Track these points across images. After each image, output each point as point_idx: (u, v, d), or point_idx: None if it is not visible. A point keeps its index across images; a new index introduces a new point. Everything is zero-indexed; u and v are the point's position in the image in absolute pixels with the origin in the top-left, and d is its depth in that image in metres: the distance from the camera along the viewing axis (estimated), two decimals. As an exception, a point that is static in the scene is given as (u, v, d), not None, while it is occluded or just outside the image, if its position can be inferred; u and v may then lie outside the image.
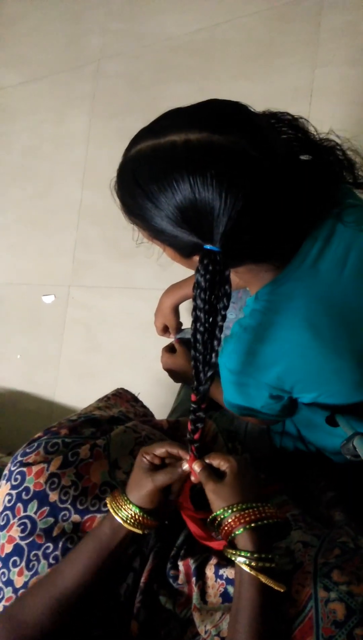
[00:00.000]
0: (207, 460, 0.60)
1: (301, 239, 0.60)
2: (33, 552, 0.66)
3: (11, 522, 0.68)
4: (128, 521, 0.59)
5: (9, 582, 0.66)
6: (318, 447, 0.83)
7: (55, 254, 1.83)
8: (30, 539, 0.66)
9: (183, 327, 1.05)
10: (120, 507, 0.60)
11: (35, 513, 0.67)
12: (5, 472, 0.72)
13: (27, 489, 0.68)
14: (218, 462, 0.60)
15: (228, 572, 0.60)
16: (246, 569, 0.52)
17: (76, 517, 0.67)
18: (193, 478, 0.61)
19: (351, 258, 0.60)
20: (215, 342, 0.52)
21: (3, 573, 0.67)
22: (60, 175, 1.87)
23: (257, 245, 0.53)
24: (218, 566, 0.62)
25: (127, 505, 0.60)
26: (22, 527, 0.67)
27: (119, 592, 0.66)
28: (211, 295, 0.50)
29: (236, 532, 0.54)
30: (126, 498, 0.61)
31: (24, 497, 0.68)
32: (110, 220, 1.72)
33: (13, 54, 2.09)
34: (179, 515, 0.65)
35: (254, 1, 1.52)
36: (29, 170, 1.95)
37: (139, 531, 0.59)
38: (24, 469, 0.69)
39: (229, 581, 0.60)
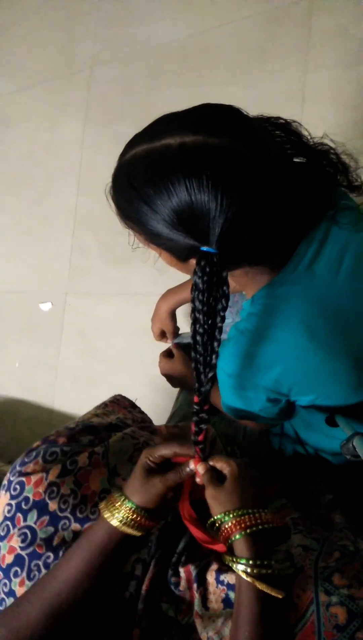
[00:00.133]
0: (211, 463, 0.61)
1: (296, 242, 0.60)
2: (34, 562, 0.66)
3: (11, 532, 0.68)
4: (127, 523, 0.59)
5: (10, 593, 0.66)
6: (316, 449, 0.83)
7: (51, 261, 1.83)
8: (31, 549, 0.66)
9: (180, 332, 1.05)
10: (118, 509, 0.60)
11: (35, 523, 0.67)
12: (5, 482, 0.72)
13: (26, 499, 0.68)
14: (221, 464, 0.60)
15: (229, 578, 0.60)
16: (244, 576, 0.52)
17: (76, 526, 0.67)
18: (198, 479, 0.62)
19: (346, 260, 0.60)
20: (215, 344, 0.52)
21: (5, 584, 0.66)
22: (55, 181, 1.87)
23: (253, 247, 0.54)
24: (219, 572, 0.62)
25: (127, 507, 0.59)
26: (22, 537, 0.67)
27: (122, 600, 0.65)
28: (209, 296, 0.50)
29: (234, 538, 0.55)
30: (125, 499, 0.60)
31: (23, 506, 0.68)
32: (106, 226, 1.72)
33: (6, 62, 2.10)
34: (180, 521, 0.65)
35: (245, 6, 1.53)
36: (23, 177, 1.95)
37: (137, 533, 0.59)
38: (23, 479, 0.69)
39: (230, 587, 0.60)
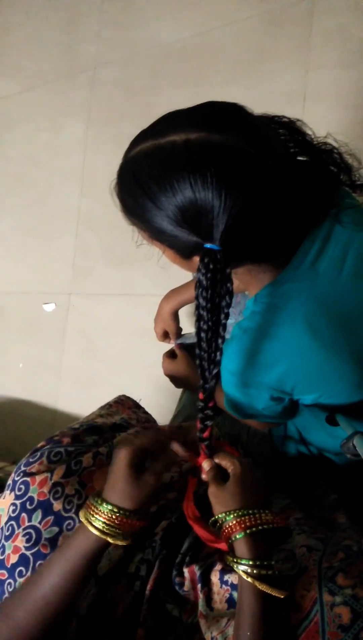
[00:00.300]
0: (216, 460, 0.61)
1: (300, 240, 0.60)
2: (38, 562, 0.66)
3: (16, 532, 0.68)
4: (117, 532, 0.54)
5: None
6: (319, 449, 0.83)
7: (54, 262, 1.84)
8: (36, 549, 0.66)
9: (183, 333, 1.05)
10: (98, 516, 0.55)
11: (39, 523, 0.67)
12: (9, 482, 0.73)
13: (31, 499, 0.68)
14: (225, 463, 0.60)
15: (232, 578, 0.60)
16: (245, 576, 0.52)
17: (80, 526, 0.67)
18: (203, 476, 0.62)
19: (349, 258, 0.60)
20: (219, 341, 0.52)
21: (9, 583, 0.67)
22: (58, 182, 1.88)
23: (257, 244, 0.54)
24: (223, 572, 0.62)
25: (109, 512, 0.54)
26: (27, 537, 0.67)
27: (126, 600, 0.66)
28: (213, 293, 0.50)
29: (235, 538, 0.55)
30: (116, 510, 0.55)
31: (28, 506, 0.68)
32: (109, 227, 1.73)
33: (8, 63, 2.11)
34: (184, 521, 0.65)
35: (246, 6, 1.53)
36: (26, 179, 1.96)
37: (122, 542, 0.55)
38: (28, 479, 0.70)
39: (234, 587, 0.60)
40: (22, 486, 0.70)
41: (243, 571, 0.53)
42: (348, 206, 0.62)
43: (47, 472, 0.70)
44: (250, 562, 0.53)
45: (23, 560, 0.66)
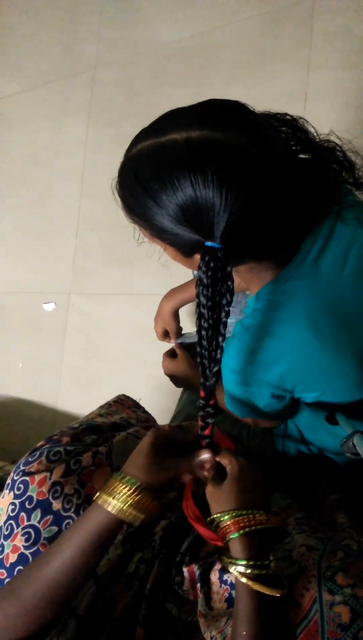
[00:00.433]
0: (217, 459, 0.61)
1: (301, 238, 0.60)
2: (37, 561, 0.66)
3: (15, 531, 0.68)
4: (132, 505, 0.54)
5: (14, 592, 0.66)
6: (320, 448, 0.83)
7: (55, 262, 1.84)
8: (35, 548, 0.66)
9: (183, 332, 1.05)
10: (118, 491, 0.55)
11: (39, 522, 0.67)
12: (8, 481, 0.73)
13: (30, 498, 0.68)
14: (225, 461, 0.60)
15: (232, 577, 0.60)
16: (239, 577, 0.52)
17: (79, 525, 0.67)
18: (205, 473, 0.62)
19: (351, 256, 0.60)
20: (220, 339, 0.52)
21: (8, 582, 0.67)
22: (58, 182, 1.88)
23: (258, 242, 0.54)
24: (223, 571, 0.62)
25: (131, 486, 0.55)
26: (26, 536, 0.67)
27: (125, 600, 0.66)
28: (213, 291, 0.50)
29: (230, 537, 0.55)
30: (129, 479, 0.56)
31: (27, 506, 0.68)
32: (109, 227, 1.73)
33: (9, 63, 2.11)
34: (183, 521, 0.65)
35: (247, 6, 1.53)
36: (27, 179, 1.96)
37: (141, 516, 0.55)
38: (27, 478, 0.70)
39: (233, 586, 0.60)
40: (21, 485, 0.70)
41: (238, 572, 0.53)
42: (351, 204, 0.62)
43: (47, 472, 0.70)
44: (244, 562, 0.53)
45: (22, 559, 0.66)
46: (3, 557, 0.67)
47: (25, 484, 0.69)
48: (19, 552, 0.67)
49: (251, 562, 0.53)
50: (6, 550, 0.67)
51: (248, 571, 0.52)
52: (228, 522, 0.55)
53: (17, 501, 0.69)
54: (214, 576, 0.62)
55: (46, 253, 1.86)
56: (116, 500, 0.55)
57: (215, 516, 0.57)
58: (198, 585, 0.63)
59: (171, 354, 0.99)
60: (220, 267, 0.50)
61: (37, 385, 1.81)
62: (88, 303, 1.75)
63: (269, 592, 0.52)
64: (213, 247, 0.50)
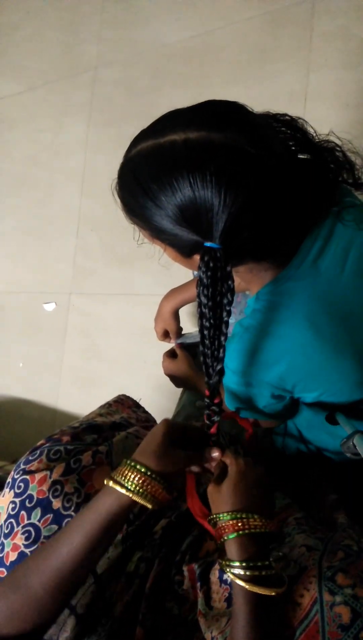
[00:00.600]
0: (221, 458, 0.61)
1: (301, 238, 0.60)
2: (37, 560, 0.66)
3: (15, 529, 0.68)
4: (140, 492, 0.54)
5: (14, 591, 0.66)
6: (319, 448, 0.83)
7: (55, 262, 1.84)
8: (35, 547, 0.66)
9: (183, 332, 1.05)
10: (129, 478, 0.55)
11: (39, 520, 0.67)
12: (9, 479, 0.73)
13: (30, 497, 0.68)
14: (228, 461, 0.60)
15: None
16: (233, 578, 0.52)
17: (79, 524, 0.67)
18: (212, 469, 0.62)
19: (351, 257, 0.60)
20: (222, 338, 0.53)
21: (8, 581, 0.67)
22: (58, 182, 1.88)
23: (257, 242, 0.54)
24: (223, 571, 0.61)
25: (141, 473, 0.55)
26: (26, 534, 0.67)
27: (125, 599, 0.66)
28: (214, 291, 0.51)
29: (225, 538, 0.55)
30: (140, 466, 0.55)
31: (27, 504, 0.68)
32: (109, 227, 1.73)
33: (10, 63, 2.11)
34: (183, 520, 0.65)
35: (247, 7, 1.53)
36: (27, 179, 1.96)
37: (149, 504, 0.54)
38: (27, 477, 0.70)
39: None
40: (21, 484, 0.70)
41: (234, 574, 0.53)
42: (350, 204, 0.62)
43: (47, 470, 0.70)
44: (239, 564, 0.53)
45: (22, 557, 0.66)
46: (3, 556, 0.67)
47: (26, 483, 0.69)
48: (19, 550, 0.67)
49: (245, 564, 0.53)
50: (6, 549, 0.67)
51: (243, 573, 0.52)
52: (224, 524, 0.55)
53: (17, 500, 0.69)
54: (214, 575, 0.62)
55: (47, 253, 1.87)
56: (127, 487, 0.54)
57: (213, 516, 0.57)
58: (198, 584, 0.63)
59: (171, 354, 0.99)
60: (220, 267, 0.50)
61: (38, 385, 1.81)
62: (88, 303, 1.75)
63: (264, 592, 0.51)
64: (212, 248, 0.50)
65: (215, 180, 0.47)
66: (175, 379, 0.99)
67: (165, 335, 1.04)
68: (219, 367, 0.54)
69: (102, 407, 0.93)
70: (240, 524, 0.54)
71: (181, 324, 1.04)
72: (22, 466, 0.71)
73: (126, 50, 1.79)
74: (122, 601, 0.65)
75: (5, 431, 1.84)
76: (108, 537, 0.56)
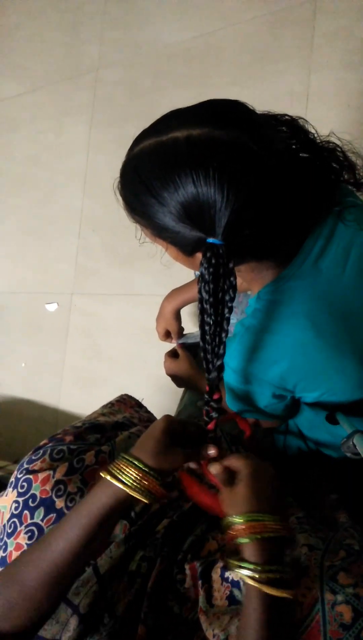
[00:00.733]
0: (225, 463, 0.58)
1: (302, 237, 0.60)
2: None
3: (18, 529, 0.68)
4: (137, 488, 0.54)
5: (17, 590, 0.66)
6: (319, 445, 0.83)
7: (57, 262, 1.84)
8: (38, 546, 0.66)
9: (184, 332, 1.06)
10: (126, 472, 0.55)
11: (42, 520, 0.67)
12: (12, 479, 0.73)
13: (33, 496, 0.69)
14: (237, 465, 0.57)
15: (233, 575, 0.60)
16: (251, 582, 0.51)
17: (82, 524, 0.68)
18: (210, 478, 0.60)
19: (352, 257, 0.61)
20: (223, 334, 0.53)
21: (11, 581, 0.67)
22: (60, 183, 1.88)
23: (259, 240, 0.54)
24: (224, 569, 0.62)
25: (138, 468, 0.55)
26: (29, 534, 0.67)
27: (127, 598, 0.66)
28: (216, 287, 0.51)
29: (241, 541, 0.52)
30: (137, 461, 0.55)
31: (30, 504, 0.69)
32: (111, 228, 1.73)
33: (12, 65, 2.12)
34: (184, 520, 0.65)
35: (249, 8, 1.53)
36: (30, 179, 1.97)
37: (145, 499, 0.55)
38: (30, 477, 0.70)
39: (234, 584, 0.60)
40: (24, 484, 0.70)
41: (249, 576, 0.51)
42: (351, 204, 0.62)
43: (50, 470, 0.70)
44: (256, 566, 0.50)
45: (25, 557, 0.67)
46: (6, 555, 0.68)
47: (29, 482, 0.70)
48: (22, 550, 0.67)
49: (261, 568, 0.51)
50: (9, 548, 0.68)
51: (258, 576, 0.51)
52: (242, 526, 0.53)
53: (20, 499, 0.69)
54: (215, 573, 0.62)
55: (48, 253, 1.87)
56: (123, 481, 0.55)
57: (228, 519, 0.54)
58: (199, 582, 0.63)
59: (172, 354, 0.99)
60: (222, 264, 0.50)
61: (40, 385, 1.82)
62: (90, 303, 1.75)
63: (284, 594, 0.50)
64: (214, 244, 0.50)
65: (218, 177, 0.47)
66: (177, 379, 0.99)
67: (166, 336, 1.05)
68: (219, 363, 0.54)
69: (104, 406, 0.94)
70: (259, 526, 0.52)
71: (183, 324, 1.04)
72: (25, 466, 0.72)
73: (127, 51, 1.80)
74: (124, 600, 0.65)
75: (8, 431, 1.84)
76: (104, 530, 0.56)
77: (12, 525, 0.69)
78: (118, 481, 0.55)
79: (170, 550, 0.69)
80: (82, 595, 0.64)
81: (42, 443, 0.76)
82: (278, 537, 0.53)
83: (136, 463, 0.56)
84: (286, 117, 0.58)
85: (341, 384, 0.65)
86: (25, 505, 0.69)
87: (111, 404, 0.94)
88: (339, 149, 0.60)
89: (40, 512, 0.68)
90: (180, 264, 0.62)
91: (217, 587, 0.62)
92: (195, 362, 0.96)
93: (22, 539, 0.67)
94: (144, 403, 1.02)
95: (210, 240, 0.50)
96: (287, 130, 0.58)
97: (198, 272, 0.53)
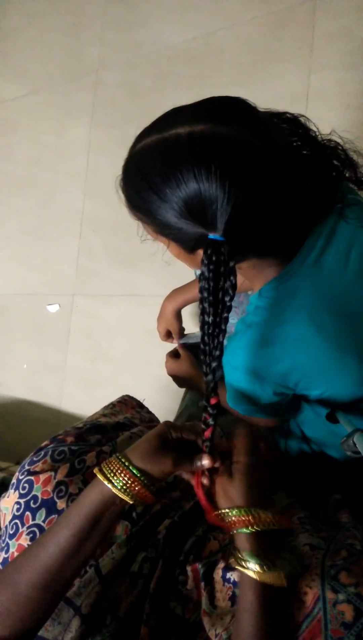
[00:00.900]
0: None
1: (304, 235, 0.60)
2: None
3: (20, 530, 0.68)
4: (127, 491, 0.55)
5: (19, 590, 0.66)
6: (321, 446, 0.83)
7: (58, 264, 1.85)
8: (39, 547, 0.67)
9: (186, 332, 1.06)
10: (118, 475, 0.55)
11: (43, 521, 0.68)
12: (13, 480, 0.73)
13: (35, 498, 0.69)
14: (241, 457, 0.58)
15: (235, 576, 0.60)
16: (243, 570, 0.52)
17: (84, 524, 0.68)
18: (204, 481, 0.60)
19: (353, 255, 0.61)
20: (221, 336, 0.53)
21: (13, 581, 0.67)
22: (62, 184, 1.89)
23: (261, 237, 0.54)
24: (226, 570, 0.62)
25: (130, 473, 0.55)
26: (31, 535, 0.67)
27: (129, 599, 0.66)
28: (216, 285, 0.50)
29: (237, 531, 0.54)
30: (129, 465, 0.56)
31: (32, 505, 0.69)
32: (112, 228, 1.73)
33: (13, 66, 2.12)
34: (185, 521, 0.65)
35: (249, 8, 1.53)
36: (31, 180, 1.97)
37: (131, 501, 0.55)
38: (32, 478, 0.70)
39: (236, 584, 0.60)
40: (26, 485, 0.70)
41: (246, 566, 0.52)
42: (353, 202, 0.62)
43: (51, 471, 0.70)
44: (252, 558, 0.52)
45: (27, 558, 0.67)
46: (8, 556, 0.68)
47: (30, 484, 0.70)
48: (24, 551, 0.67)
49: (259, 559, 0.52)
50: (11, 549, 0.68)
51: (257, 567, 0.52)
52: (236, 518, 0.54)
53: (22, 500, 0.69)
54: (217, 575, 0.62)
55: (50, 254, 1.87)
56: (114, 484, 0.55)
57: (225, 510, 0.56)
58: (202, 584, 0.63)
59: (174, 355, 1.00)
60: (223, 262, 0.50)
61: (41, 386, 1.82)
62: (92, 304, 1.76)
63: (275, 581, 0.51)
64: (216, 240, 0.50)
65: (220, 173, 0.47)
66: (178, 379, 0.99)
67: (168, 336, 1.05)
68: (214, 364, 0.54)
69: (106, 407, 0.94)
70: (255, 519, 0.54)
71: (184, 324, 1.04)
72: (26, 467, 0.72)
73: (128, 52, 1.80)
74: (126, 601, 0.66)
75: (9, 432, 1.84)
76: (97, 531, 0.56)
77: (14, 526, 0.69)
78: (108, 482, 0.55)
79: (172, 551, 0.69)
80: (84, 595, 0.64)
81: (43, 444, 0.76)
82: (270, 531, 0.54)
83: (123, 461, 0.56)
84: (288, 114, 0.59)
85: (342, 381, 0.65)
86: (27, 506, 0.69)
87: (112, 405, 0.94)
88: (340, 147, 0.60)
89: (42, 513, 0.68)
90: (181, 263, 0.62)
91: (219, 588, 0.62)
92: (196, 362, 0.96)
93: (24, 540, 0.67)
94: (146, 404, 1.02)
95: (211, 236, 0.50)
96: (289, 128, 0.58)
97: (199, 271, 0.53)
